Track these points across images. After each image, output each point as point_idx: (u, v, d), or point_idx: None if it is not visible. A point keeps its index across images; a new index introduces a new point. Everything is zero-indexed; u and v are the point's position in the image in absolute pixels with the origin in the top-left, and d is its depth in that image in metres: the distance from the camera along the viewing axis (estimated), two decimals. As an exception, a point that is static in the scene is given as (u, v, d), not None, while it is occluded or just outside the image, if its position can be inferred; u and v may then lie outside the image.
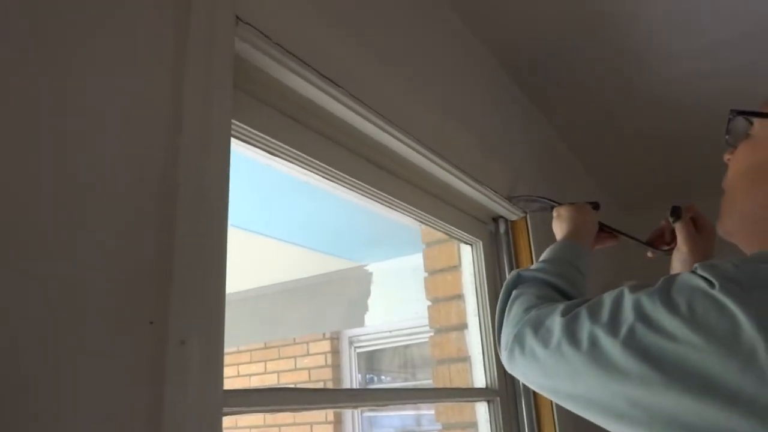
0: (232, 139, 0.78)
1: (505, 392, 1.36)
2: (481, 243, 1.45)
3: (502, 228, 1.49)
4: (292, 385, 4.03)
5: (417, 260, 1.72)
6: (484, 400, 1.34)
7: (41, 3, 0.49)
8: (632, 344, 0.55)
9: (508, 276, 0.84)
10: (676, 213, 0.97)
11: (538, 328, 0.68)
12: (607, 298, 0.62)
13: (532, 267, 0.89)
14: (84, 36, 0.52)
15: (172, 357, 0.50)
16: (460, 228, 1.36)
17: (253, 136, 0.81)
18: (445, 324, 1.60)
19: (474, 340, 1.42)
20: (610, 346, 0.57)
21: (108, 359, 0.47)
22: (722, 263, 0.55)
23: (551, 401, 1.36)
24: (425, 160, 1.12)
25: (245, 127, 0.78)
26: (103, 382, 0.47)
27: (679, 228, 0.98)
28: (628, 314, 0.57)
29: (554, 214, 1.11)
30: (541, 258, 0.93)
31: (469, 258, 1.46)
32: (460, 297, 1.53)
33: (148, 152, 0.56)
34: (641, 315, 0.56)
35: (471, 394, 1.37)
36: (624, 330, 0.56)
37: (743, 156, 0.71)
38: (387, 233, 3.04)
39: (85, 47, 0.52)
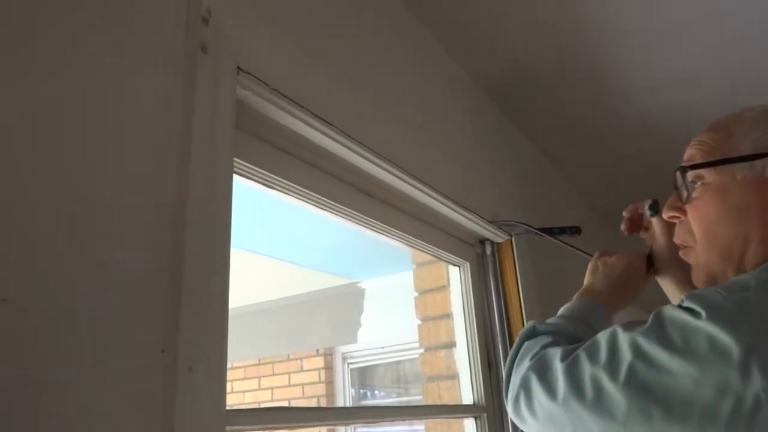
0: (234, 175, 0.85)
1: (492, 408, 1.42)
2: (468, 264, 1.51)
3: (488, 250, 1.55)
4: (286, 401, 4.06)
5: (409, 278, 1.78)
6: (472, 417, 1.40)
7: (69, 55, 0.56)
8: (633, 383, 0.57)
9: (525, 327, 0.82)
10: (654, 207, 0.95)
11: (544, 372, 0.68)
12: (603, 339, 0.63)
13: (549, 321, 0.84)
14: (105, 84, 0.59)
15: (182, 382, 0.56)
16: (447, 250, 1.43)
17: (253, 172, 0.87)
18: (435, 342, 1.66)
19: (462, 358, 1.48)
20: (612, 388, 0.58)
21: (125, 385, 0.53)
22: (709, 292, 0.57)
23: (536, 417, 1.42)
24: (412, 188, 1.19)
25: (246, 163, 0.85)
26: (119, 406, 0.52)
27: (656, 221, 0.95)
28: (625, 354, 0.59)
29: (596, 257, 1.01)
30: (560, 313, 0.87)
31: (457, 279, 1.52)
32: (448, 316, 1.59)
33: (158, 190, 0.62)
34: (638, 353, 0.57)
35: (459, 410, 1.42)
36: (624, 369, 0.58)
37: (712, 204, 0.70)
38: (379, 251, 3.10)
39: (105, 94, 0.59)
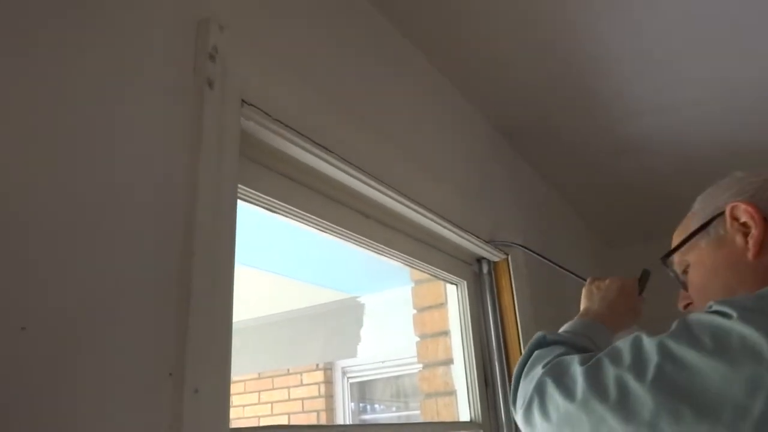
0: (239, 201, 0.89)
1: (488, 425, 1.44)
2: (465, 283, 1.54)
3: (485, 269, 1.58)
4: (286, 415, 4.06)
5: (408, 293, 1.81)
6: (469, 433, 1.42)
7: (85, 93, 0.60)
8: (662, 383, 0.56)
9: (533, 337, 0.82)
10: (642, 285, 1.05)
11: (561, 376, 0.67)
12: (624, 345, 0.63)
13: (558, 332, 0.87)
14: (117, 119, 0.62)
15: (188, 405, 0.59)
16: (445, 269, 1.46)
17: (257, 197, 0.91)
18: (433, 359, 1.69)
19: (459, 374, 1.50)
20: (639, 388, 0.57)
21: (134, 410, 0.56)
22: (738, 298, 0.58)
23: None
24: (409, 210, 1.22)
25: (249, 189, 0.88)
26: (130, 428, 0.55)
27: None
28: (652, 356, 0.58)
29: (589, 282, 1.07)
30: (563, 330, 0.91)
31: (454, 296, 1.55)
32: (446, 333, 1.62)
33: (167, 218, 0.65)
34: (666, 354, 0.57)
35: (456, 427, 1.45)
36: (651, 370, 0.57)
37: (698, 275, 0.78)
38: (379, 266, 3.12)
39: (116, 129, 0.62)
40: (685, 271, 0.81)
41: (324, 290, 3.63)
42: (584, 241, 2.65)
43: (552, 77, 1.55)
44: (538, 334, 0.82)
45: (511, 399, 0.77)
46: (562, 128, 1.82)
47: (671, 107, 1.73)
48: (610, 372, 0.61)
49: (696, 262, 0.78)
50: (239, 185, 0.82)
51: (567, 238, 2.36)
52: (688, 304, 0.82)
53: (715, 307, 0.58)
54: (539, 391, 0.69)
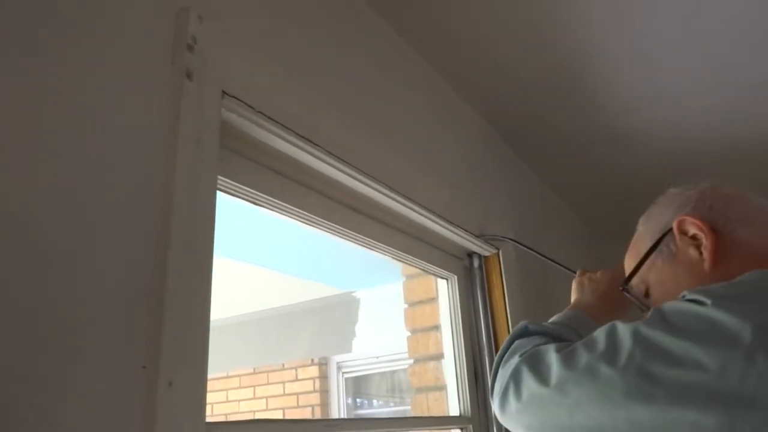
0: (221, 193, 0.88)
1: (478, 420, 1.44)
2: (456, 277, 1.53)
3: (475, 263, 1.58)
4: (281, 410, 4.06)
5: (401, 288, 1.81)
6: (458, 428, 1.42)
7: (56, 82, 0.59)
8: (633, 367, 0.57)
9: (516, 326, 0.83)
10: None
11: (536, 364, 0.68)
12: (599, 333, 0.64)
13: (541, 324, 0.87)
14: (91, 109, 0.62)
15: (162, 397, 0.59)
16: (435, 264, 1.45)
17: (240, 190, 0.90)
18: (424, 354, 1.69)
19: (449, 369, 1.50)
20: (611, 372, 0.58)
21: (105, 402, 0.56)
22: (712, 287, 0.58)
23: (521, 428, 1.44)
24: (397, 204, 1.22)
25: (232, 182, 0.87)
26: (100, 423, 0.55)
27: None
28: (625, 342, 0.59)
29: (579, 274, 1.08)
30: (552, 320, 0.91)
31: (445, 291, 1.55)
32: (437, 328, 1.61)
33: (142, 209, 0.65)
34: (639, 340, 0.58)
35: (445, 422, 1.44)
36: (624, 355, 0.58)
37: (659, 294, 0.79)
38: (374, 261, 3.12)
39: (90, 119, 0.61)
40: (646, 294, 0.81)
41: (319, 285, 3.63)
42: (578, 238, 2.65)
43: (545, 69, 1.54)
44: (521, 323, 0.83)
45: (489, 387, 0.78)
46: (555, 121, 1.81)
47: (667, 100, 1.72)
48: (584, 358, 0.62)
49: (656, 282, 0.79)
50: (220, 177, 0.82)
51: (560, 234, 2.36)
52: None
53: (689, 296, 0.58)
54: (515, 378, 0.69)
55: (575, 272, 1.13)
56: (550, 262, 1.36)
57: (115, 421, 0.56)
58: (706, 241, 0.71)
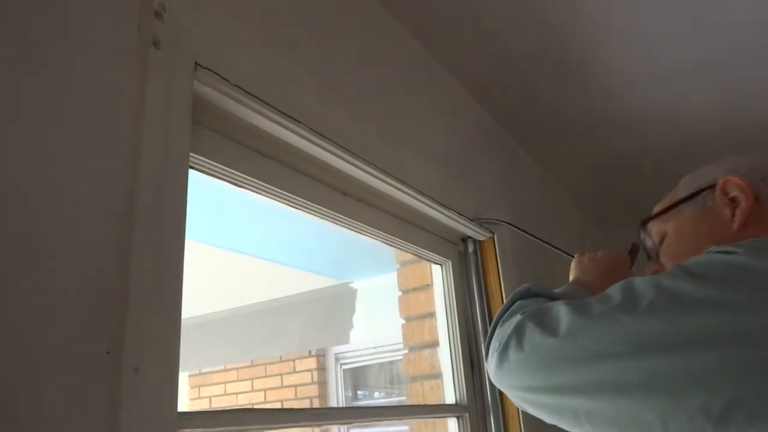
0: (202, 174, 0.84)
1: (474, 408, 1.41)
2: (450, 263, 1.50)
3: (470, 248, 1.54)
4: (279, 402, 4.04)
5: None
6: (454, 416, 1.39)
7: (15, 51, 0.54)
8: (654, 314, 0.54)
9: (518, 288, 0.79)
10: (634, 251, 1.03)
11: (543, 318, 0.63)
12: (614, 289, 0.61)
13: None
14: (53, 80, 0.57)
15: (128, 384, 0.55)
16: (429, 249, 1.41)
17: (217, 169, 0.86)
18: (419, 342, 1.65)
19: (444, 357, 1.46)
20: (631, 319, 0.55)
21: (68, 387, 0.52)
22: (741, 242, 0.56)
23: (519, 415, 1.41)
24: (388, 186, 1.17)
25: (207, 160, 0.83)
26: (62, 408, 0.51)
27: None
28: (645, 292, 0.56)
29: (578, 254, 1.04)
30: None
31: (439, 277, 1.51)
32: (432, 315, 1.58)
33: (107, 186, 0.60)
34: (660, 289, 0.55)
35: (441, 410, 1.41)
36: (644, 304, 0.55)
37: (674, 243, 0.78)
38: (370, 251, 3.08)
39: (52, 90, 0.57)
40: (661, 241, 0.80)
41: (316, 276, 3.58)
42: (575, 222, 2.61)
43: (539, 48, 1.50)
44: (523, 285, 0.79)
45: (484, 348, 0.72)
46: (551, 103, 1.77)
47: (666, 78, 1.67)
48: (598, 308, 0.58)
49: (676, 230, 0.78)
50: (194, 154, 0.78)
51: (557, 218, 2.32)
52: (657, 272, 0.80)
53: (716, 249, 0.56)
54: (518, 332, 0.65)
55: (572, 256, 1.10)
56: (546, 245, 1.32)
57: (78, 407, 0.52)
58: (744, 203, 0.70)
